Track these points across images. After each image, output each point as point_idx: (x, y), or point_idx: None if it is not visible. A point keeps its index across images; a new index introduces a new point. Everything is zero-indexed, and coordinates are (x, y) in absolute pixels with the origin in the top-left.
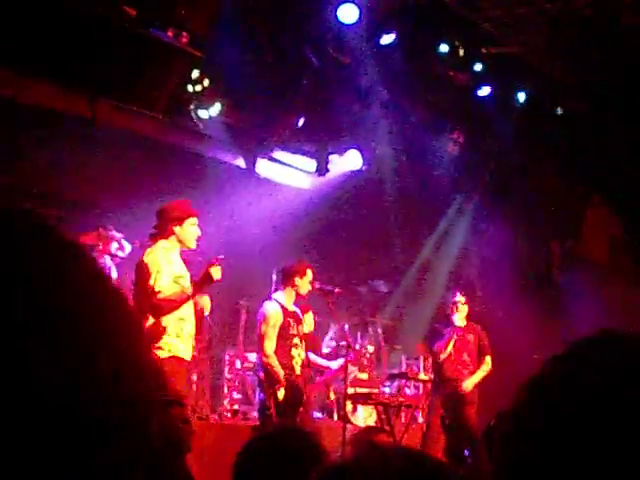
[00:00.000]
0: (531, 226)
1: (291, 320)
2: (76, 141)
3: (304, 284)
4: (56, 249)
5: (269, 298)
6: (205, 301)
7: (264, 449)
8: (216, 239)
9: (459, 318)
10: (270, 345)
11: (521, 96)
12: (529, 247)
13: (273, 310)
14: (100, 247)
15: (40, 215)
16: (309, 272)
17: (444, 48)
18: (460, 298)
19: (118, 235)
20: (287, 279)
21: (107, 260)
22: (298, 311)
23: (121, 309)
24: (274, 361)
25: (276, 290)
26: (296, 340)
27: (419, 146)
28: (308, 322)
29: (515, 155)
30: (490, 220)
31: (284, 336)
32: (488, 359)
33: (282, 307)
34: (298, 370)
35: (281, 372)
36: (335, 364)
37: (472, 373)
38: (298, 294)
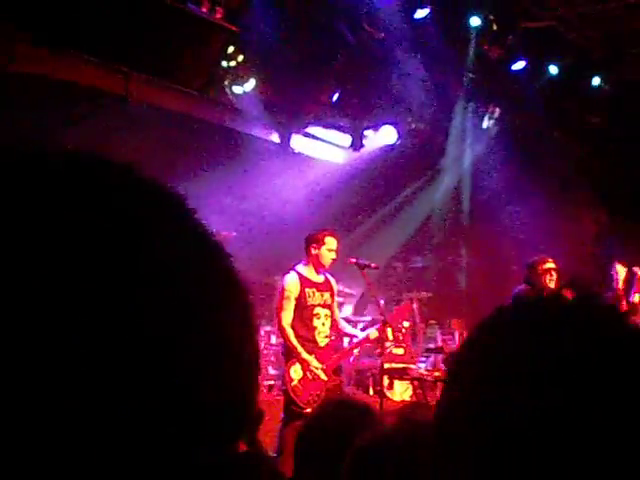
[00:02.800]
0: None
1: (311, 290)
2: (110, 118)
3: (324, 253)
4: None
5: (292, 270)
6: None
7: (320, 427)
8: (251, 214)
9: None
10: (286, 317)
11: (553, 69)
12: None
13: (289, 281)
14: None
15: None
16: (329, 240)
17: (476, 22)
18: (551, 265)
19: None
20: (306, 249)
21: None
22: (330, 279)
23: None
24: (288, 334)
25: (300, 261)
26: (318, 310)
27: (454, 121)
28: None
29: (549, 130)
30: (524, 197)
31: (302, 307)
32: None
33: (300, 277)
34: (322, 342)
35: (298, 346)
36: (362, 334)
37: None
38: (319, 263)
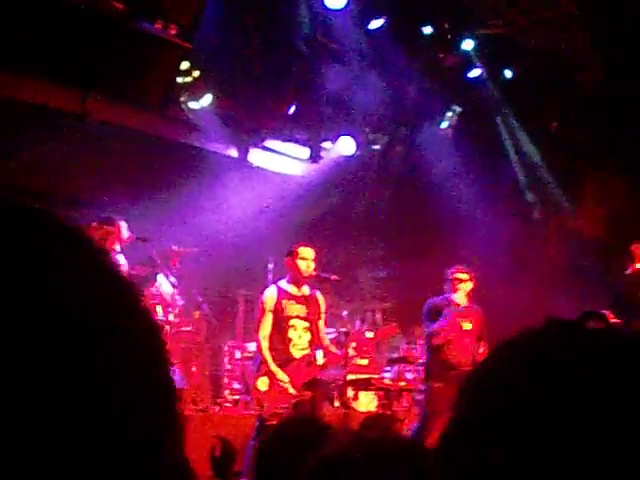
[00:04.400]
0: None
1: (288, 302)
2: (67, 137)
3: (299, 264)
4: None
5: (273, 284)
6: None
7: (277, 440)
8: (211, 230)
9: (460, 297)
10: (262, 329)
11: (508, 73)
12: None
13: (266, 294)
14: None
15: (57, 216)
16: (301, 250)
17: (428, 30)
18: (461, 275)
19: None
20: (284, 263)
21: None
22: (316, 295)
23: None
24: (262, 346)
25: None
26: (294, 322)
27: (412, 129)
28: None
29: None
30: (484, 203)
31: (279, 318)
32: (484, 346)
33: (279, 290)
34: (296, 354)
35: (268, 357)
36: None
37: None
38: (298, 275)
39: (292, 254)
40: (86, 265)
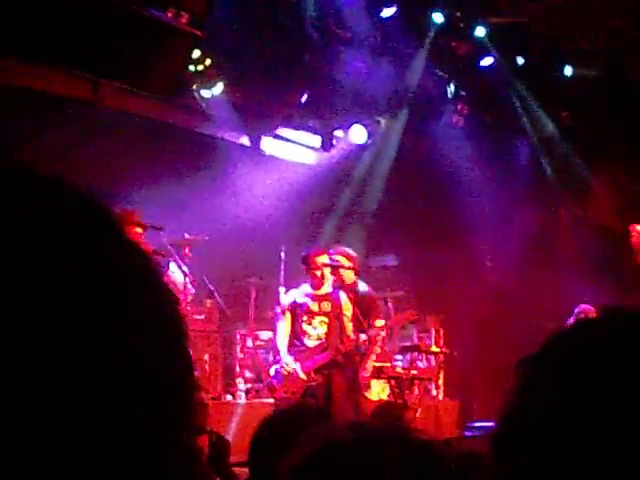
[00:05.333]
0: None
1: (305, 299)
2: (79, 125)
3: (316, 274)
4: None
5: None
6: None
7: (274, 426)
8: (223, 219)
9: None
10: (279, 330)
11: (520, 61)
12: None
13: (284, 293)
14: None
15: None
16: (316, 260)
17: (439, 18)
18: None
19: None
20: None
21: None
22: (339, 294)
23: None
24: (277, 335)
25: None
26: (310, 317)
27: (424, 118)
28: None
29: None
30: (497, 191)
31: (295, 317)
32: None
33: (299, 291)
34: (310, 343)
35: (281, 348)
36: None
37: None
38: (315, 281)
39: (306, 264)
40: (108, 235)
